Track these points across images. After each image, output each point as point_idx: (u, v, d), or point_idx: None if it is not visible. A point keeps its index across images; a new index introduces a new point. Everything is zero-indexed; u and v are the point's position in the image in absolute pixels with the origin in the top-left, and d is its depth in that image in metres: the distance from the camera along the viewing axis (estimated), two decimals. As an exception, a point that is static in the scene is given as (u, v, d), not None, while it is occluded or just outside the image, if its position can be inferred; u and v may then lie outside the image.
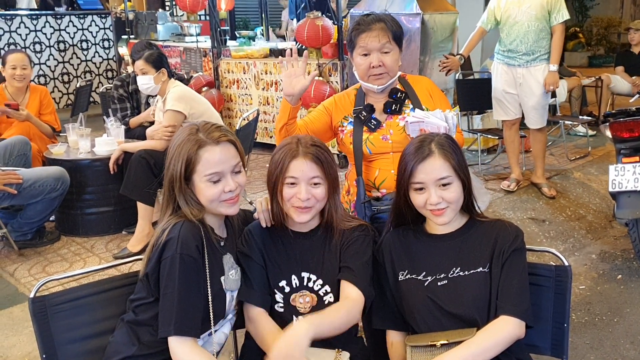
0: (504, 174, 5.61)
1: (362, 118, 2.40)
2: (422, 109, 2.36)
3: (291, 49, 2.36)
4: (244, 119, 4.69)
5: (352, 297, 1.89)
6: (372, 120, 2.40)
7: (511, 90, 4.99)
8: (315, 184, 1.92)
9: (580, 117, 7.08)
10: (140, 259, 1.95)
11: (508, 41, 4.89)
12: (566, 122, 6.55)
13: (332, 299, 1.97)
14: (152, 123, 4.52)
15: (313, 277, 1.98)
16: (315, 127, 2.48)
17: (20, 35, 8.99)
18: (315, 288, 1.98)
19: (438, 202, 1.88)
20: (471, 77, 6.86)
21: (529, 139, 5.49)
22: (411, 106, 2.41)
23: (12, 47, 8.73)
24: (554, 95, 6.35)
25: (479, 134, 5.88)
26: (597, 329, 3.32)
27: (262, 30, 8.17)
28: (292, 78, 2.30)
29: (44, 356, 1.91)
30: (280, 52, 6.50)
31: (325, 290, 1.97)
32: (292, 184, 1.92)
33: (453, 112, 2.22)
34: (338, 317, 1.83)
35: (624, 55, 7.91)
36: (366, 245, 1.98)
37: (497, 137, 5.83)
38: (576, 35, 13.55)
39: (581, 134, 7.08)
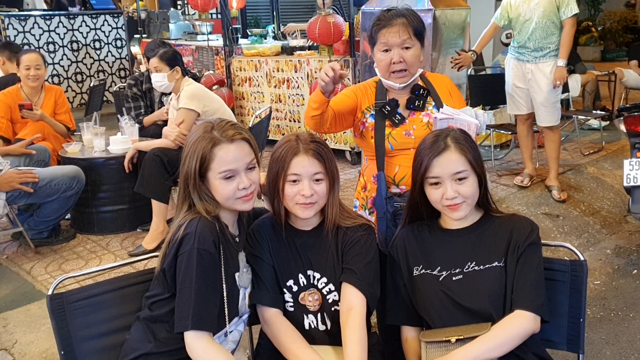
0: (517, 170, 5.58)
1: (386, 112, 2.37)
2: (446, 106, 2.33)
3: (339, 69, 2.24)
4: (257, 117, 4.70)
5: (356, 307, 1.88)
6: (397, 115, 2.37)
7: (521, 85, 4.97)
8: (317, 180, 1.92)
9: (594, 111, 7.03)
10: (156, 256, 1.97)
11: (519, 38, 4.89)
12: (579, 117, 6.50)
13: (336, 297, 1.97)
14: (165, 121, 4.55)
15: (317, 275, 1.98)
16: (341, 108, 2.42)
17: (34, 35, 9.06)
18: (320, 286, 1.99)
19: (454, 196, 1.88)
20: (483, 73, 6.84)
21: (543, 134, 5.46)
22: (433, 103, 2.39)
23: (26, 47, 8.80)
24: (566, 90, 6.31)
25: (491, 129, 5.86)
26: (612, 324, 3.30)
27: (274, 28, 8.17)
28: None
29: (62, 352, 1.94)
30: (292, 50, 6.51)
31: (329, 289, 1.98)
32: (295, 181, 1.91)
33: (483, 111, 2.21)
34: (363, 340, 1.85)
35: (638, 49, 7.84)
36: (369, 245, 1.97)
37: (509, 133, 5.81)
38: (589, 30, 13.45)
39: (595, 127, 7.03)
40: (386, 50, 2.34)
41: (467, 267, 1.89)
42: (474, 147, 1.92)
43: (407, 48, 2.32)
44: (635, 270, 3.94)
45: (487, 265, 1.87)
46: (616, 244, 4.38)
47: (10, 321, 3.32)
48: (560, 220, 4.70)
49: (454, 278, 1.89)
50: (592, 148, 6.33)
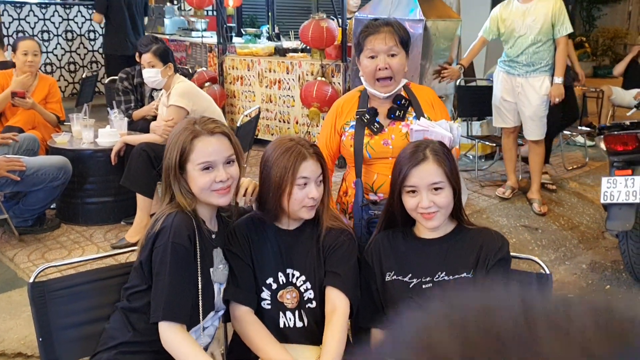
0: (500, 181, 5.66)
1: (365, 120, 2.44)
2: (425, 118, 2.39)
3: None
4: (246, 116, 4.75)
5: (340, 308, 1.95)
6: (376, 124, 2.43)
7: (509, 99, 5.04)
8: (319, 182, 2.01)
9: (579, 127, 7.13)
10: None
11: (511, 52, 4.94)
12: (564, 132, 6.60)
13: (311, 295, 2.03)
14: (154, 117, 4.59)
15: (297, 274, 2.04)
16: (334, 145, 2.53)
17: (28, 23, 9.06)
18: (298, 284, 2.05)
19: (429, 206, 1.94)
20: (474, 84, 6.92)
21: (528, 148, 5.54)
22: (414, 114, 2.45)
23: (20, 34, 8.80)
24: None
25: (476, 140, 5.95)
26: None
27: (269, 28, 8.22)
28: None
29: (40, 339, 1.98)
30: (285, 51, 6.56)
31: (306, 287, 2.04)
32: (304, 184, 1.98)
33: (457, 124, 2.28)
34: (342, 340, 1.93)
35: (630, 67, 7.91)
36: (351, 250, 2.05)
37: (494, 144, 5.89)
38: (582, 45, 13.57)
39: (580, 144, 7.13)
40: (372, 57, 2.40)
41: (437, 276, 1.96)
42: (451, 159, 1.99)
43: (393, 55, 2.38)
44: (608, 286, 4.02)
45: (456, 276, 1.94)
46: (592, 259, 4.46)
47: (-10, 307, 3.36)
48: (538, 233, 4.78)
49: (424, 286, 1.96)
50: (576, 163, 6.42)
